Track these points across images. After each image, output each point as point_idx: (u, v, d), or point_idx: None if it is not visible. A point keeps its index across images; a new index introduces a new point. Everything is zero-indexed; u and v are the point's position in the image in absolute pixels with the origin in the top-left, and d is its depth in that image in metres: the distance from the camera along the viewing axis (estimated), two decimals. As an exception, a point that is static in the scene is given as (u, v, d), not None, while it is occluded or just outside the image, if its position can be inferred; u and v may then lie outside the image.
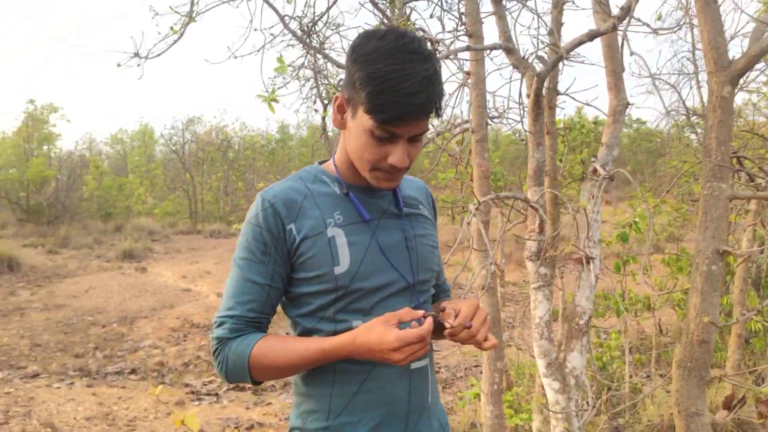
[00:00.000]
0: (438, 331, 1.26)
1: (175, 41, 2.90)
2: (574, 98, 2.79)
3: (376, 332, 1.14)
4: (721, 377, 2.61)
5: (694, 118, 6.71)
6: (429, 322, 1.15)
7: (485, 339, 1.23)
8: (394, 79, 1.12)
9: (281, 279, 1.27)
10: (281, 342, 1.24)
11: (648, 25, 2.09)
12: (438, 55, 2.73)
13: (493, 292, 3.08)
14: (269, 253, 1.25)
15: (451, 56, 2.58)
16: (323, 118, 5.26)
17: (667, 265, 6.24)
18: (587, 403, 2.28)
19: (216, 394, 6.11)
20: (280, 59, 3.90)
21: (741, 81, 5.82)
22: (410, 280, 1.31)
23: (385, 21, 3.87)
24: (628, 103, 2.63)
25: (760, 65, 5.74)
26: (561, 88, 3.07)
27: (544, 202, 2.63)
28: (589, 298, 2.48)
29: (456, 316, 1.22)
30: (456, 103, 3.09)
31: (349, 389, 1.27)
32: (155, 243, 16.99)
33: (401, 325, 1.19)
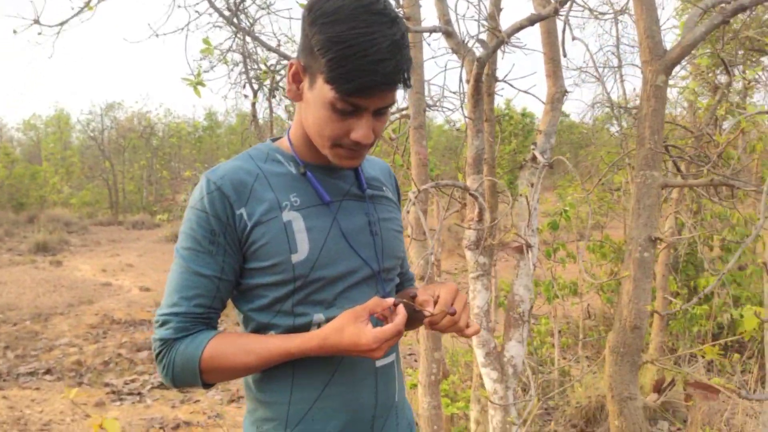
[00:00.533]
0: (411, 320, 1.20)
1: (81, 9, 2.65)
2: (512, 85, 2.76)
3: (348, 333, 1.04)
4: (652, 361, 2.66)
5: (617, 111, 6.92)
6: (402, 312, 1.06)
7: (467, 325, 1.14)
8: (359, 44, 0.98)
9: (232, 270, 1.14)
10: (237, 342, 1.12)
11: (590, 10, 2.06)
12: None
13: (431, 282, 3.02)
14: (217, 242, 1.11)
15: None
16: (253, 105, 5.05)
17: (591, 252, 6.43)
18: (527, 392, 2.26)
19: (139, 394, 5.82)
20: (206, 41, 3.69)
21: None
22: (375, 268, 1.21)
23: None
24: (565, 91, 2.62)
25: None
26: (500, 75, 3.04)
27: (483, 191, 2.59)
28: (527, 287, 2.46)
29: (435, 303, 1.12)
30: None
31: (310, 396, 1.15)
32: (72, 235, 16.11)
33: (371, 317, 1.09)
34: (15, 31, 2.43)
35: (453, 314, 1.11)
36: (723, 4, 2.52)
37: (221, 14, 3.95)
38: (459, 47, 2.49)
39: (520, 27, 2.27)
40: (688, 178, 3.31)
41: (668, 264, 5.23)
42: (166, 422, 5.07)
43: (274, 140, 1.25)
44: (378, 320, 1.14)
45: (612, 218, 8.45)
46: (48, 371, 6.40)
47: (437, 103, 3.66)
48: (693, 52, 5.73)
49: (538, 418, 4.37)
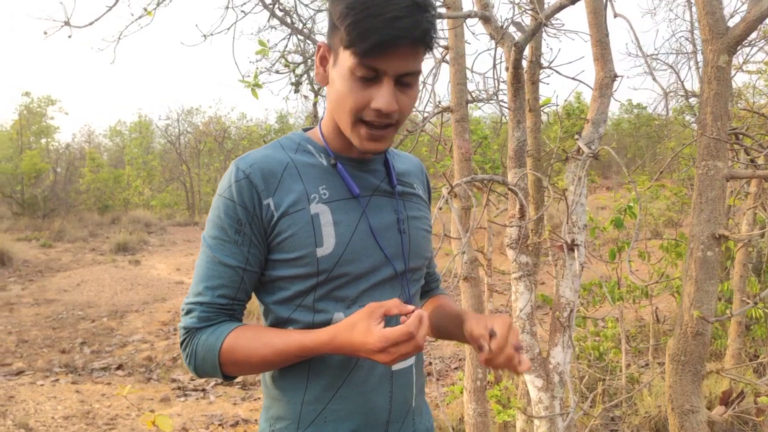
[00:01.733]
0: (440, 330, 1.24)
1: (110, 8, 2.68)
2: (558, 72, 2.59)
3: (358, 330, 0.99)
4: (719, 371, 2.42)
5: (692, 100, 6.48)
6: (416, 316, 0.98)
7: (520, 361, 1.09)
8: (376, 4, 0.97)
9: (257, 261, 1.11)
10: (257, 334, 1.09)
11: (634, -14, 1.87)
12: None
13: (476, 283, 2.89)
14: (243, 232, 1.09)
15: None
16: (314, 105, 5.05)
17: (665, 251, 6.04)
18: (573, 401, 2.09)
19: (203, 390, 5.95)
20: (261, 42, 3.70)
21: (740, 60, 5.58)
22: (399, 268, 1.17)
23: None
24: (615, 75, 2.42)
25: (760, 42, 5.51)
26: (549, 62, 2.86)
27: (525, 185, 2.43)
28: (573, 289, 2.28)
29: (491, 337, 1.07)
30: (434, 81, 2.87)
31: (323, 396, 1.12)
32: (151, 235, 16.83)
33: (388, 318, 1.03)
34: (45, 33, 2.48)
35: (519, 350, 1.07)
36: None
37: (274, 15, 3.96)
38: (497, 33, 2.35)
39: (560, 7, 2.11)
40: (765, 168, 3.02)
41: (746, 264, 4.83)
42: (225, 419, 5.15)
43: (305, 130, 1.22)
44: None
45: (687, 214, 7.94)
46: (120, 366, 6.66)
47: (489, 96, 3.50)
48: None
49: (602, 428, 4.14)
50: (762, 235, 3.98)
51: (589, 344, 5.02)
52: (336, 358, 1.11)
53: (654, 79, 1.66)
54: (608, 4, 1.92)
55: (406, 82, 1.04)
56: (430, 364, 6.27)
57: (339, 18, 1.00)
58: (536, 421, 2.28)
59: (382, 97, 1.02)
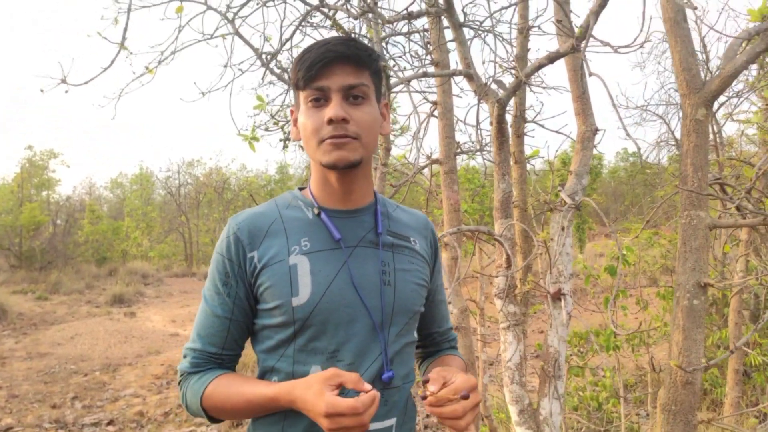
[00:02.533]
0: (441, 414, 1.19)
1: (105, 69, 2.77)
2: (542, 126, 2.66)
3: (312, 391, 1.02)
4: (710, 420, 2.40)
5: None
6: (370, 396, 0.99)
7: (465, 428, 1.07)
8: (313, 47, 1.13)
9: (243, 312, 1.19)
10: (232, 383, 1.15)
11: (608, 44, 1.96)
12: (397, 80, 2.62)
13: (466, 332, 2.89)
14: (230, 284, 1.18)
15: (406, 85, 2.45)
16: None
17: (662, 299, 6.03)
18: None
19: (195, 445, 5.83)
20: (259, 97, 3.80)
21: (730, 111, 5.71)
22: (378, 320, 1.17)
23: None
24: (596, 129, 2.49)
25: (745, 91, 5.65)
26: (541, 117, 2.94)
27: (512, 236, 2.46)
28: (560, 338, 2.29)
29: (444, 386, 1.07)
30: (423, 135, 2.95)
31: None
32: (147, 287, 16.75)
33: (347, 391, 1.07)
34: (42, 91, 2.56)
35: (465, 398, 1.05)
36: (767, 31, 2.34)
37: (272, 72, 4.08)
38: (480, 89, 2.43)
39: (539, 66, 2.19)
40: (747, 216, 3.06)
41: (740, 311, 4.82)
42: (217, 476, 5.03)
43: (301, 188, 1.30)
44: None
45: (683, 262, 7.94)
46: (111, 422, 6.53)
47: (482, 147, 3.58)
48: (755, 83, 5.42)
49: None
50: (745, 282, 3.99)
51: (587, 394, 4.97)
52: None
53: (627, 135, 1.72)
54: (584, 63, 2.00)
55: (354, 94, 1.13)
56: (428, 416, 6.17)
57: (291, 71, 1.15)
58: (527, 475, 2.25)
59: (330, 109, 1.11)
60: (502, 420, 4.48)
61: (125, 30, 2.63)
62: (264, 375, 1.20)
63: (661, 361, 6.17)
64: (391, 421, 1.20)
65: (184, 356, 1.21)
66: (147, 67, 4.11)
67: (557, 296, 2.28)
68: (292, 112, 1.23)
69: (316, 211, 1.20)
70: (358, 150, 1.14)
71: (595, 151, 2.65)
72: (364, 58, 1.13)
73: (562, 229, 2.35)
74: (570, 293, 2.32)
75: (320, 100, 1.12)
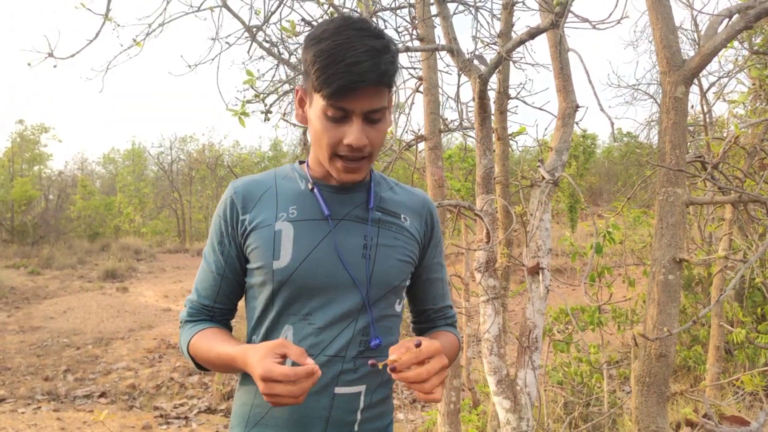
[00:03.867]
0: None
1: (91, 41, 2.76)
2: (525, 102, 2.68)
3: (257, 356, 1.05)
4: (681, 392, 2.46)
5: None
6: (306, 368, 1.00)
7: (431, 389, 1.07)
8: (338, 52, 1.09)
9: (233, 270, 1.27)
10: (211, 338, 1.22)
11: (587, 20, 1.98)
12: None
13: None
14: (223, 243, 1.26)
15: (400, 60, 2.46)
16: (304, 133, 5.14)
17: (648, 277, 6.10)
18: (532, 419, 2.14)
19: (186, 418, 5.91)
20: (249, 72, 3.79)
21: (721, 91, 5.73)
22: (362, 291, 1.22)
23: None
24: (577, 106, 2.51)
25: (734, 72, 5.67)
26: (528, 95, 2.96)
27: (493, 211, 2.50)
28: (539, 311, 2.34)
29: (407, 351, 1.07)
30: (409, 111, 2.96)
31: (266, 402, 1.17)
32: (140, 262, 16.77)
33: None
34: (29, 64, 2.56)
35: (417, 345, 1.05)
36: (747, 9, 2.36)
37: (261, 46, 4.06)
38: (463, 65, 2.44)
39: (519, 42, 2.21)
40: (727, 193, 3.10)
41: (722, 289, 4.89)
42: (207, 447, 5.12)
43: (302, 162, 1.34)
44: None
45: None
46: (103, 394, 6.61)
47: (462, 124, 3.60)
48: (742, 62, 5.43)
49: (583, 452, 4.14)
50: (731, 260, 4.05)
51: (572, 370, 5.06)
52: None
53: (602, 109, 1.74)
54: (562, 39, 2.02)
55: (374, 118, 1.15)
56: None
57: (308, 65, 1.13)
58: (503, 443, 2.31)
59: (352, 134, 1.12)
60: (486, 392, 4.56)
61: (109, 1, 2.62)
62: (253, 329, 1.27)
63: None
64: (360, 388, 1.23)
65: (185, 305, 1.32)
66: (134, 40, 4.10)
67: (535, 270, 2.33)
68: (297, 91, 1.24)
69: (310, 186, 1.26)
70: (366, 167, 1.20)
71: (577, 129, 2.68)
72: (388, 81, 1.14)
73: (541, 204, 2.39)
74: (548, 267, 2.37)
75: (341, 118, 1.14)
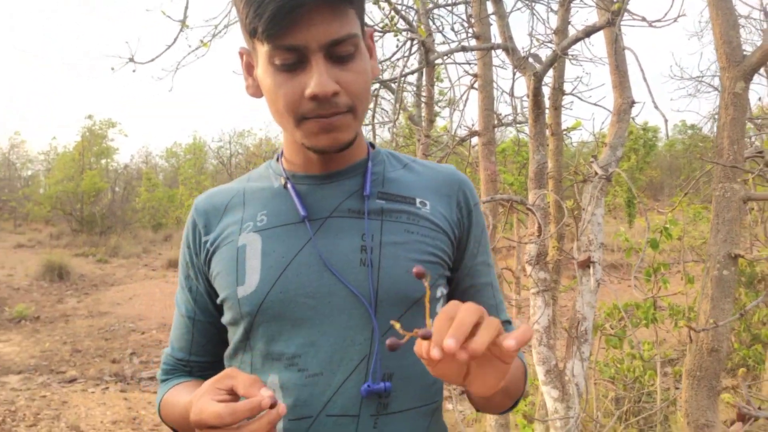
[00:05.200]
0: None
1: (169, 46, 2.95)
2: (580, 98, 2.72)
3: (197, 397, 0.77)
4: (734, 387, 2.46)
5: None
6: (248, 403, 0.71)
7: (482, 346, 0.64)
8: None
9: (206, 311, 0.98)
10: (177, 393, 0.96)
11: (644, 18, 2.01)
12: (436, 54, 2.71)
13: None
14: (190, 277, 0.98)
15: (449, 57, 2.55)
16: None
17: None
18: (578, 406, 2.19)
19: (244, 401, 6.16)
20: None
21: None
22: (358, 311, 0.87)
23: (410, 30, 3.86)
24: (633, 102, 2.53)
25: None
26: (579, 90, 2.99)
27: (545, 205, 2.55)
28: (589, 304, 2.38)
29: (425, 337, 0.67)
30: (463, 107, 3.04)
31: None
32: (201, 252, 17.40)
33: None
34: (113, 69, 2.76)
35: (424, 338, 0.65)
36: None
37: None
38: (519, 63, 2.50)
39: (575, 40, 2.25)
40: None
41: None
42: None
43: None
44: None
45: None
46: (167, 377, 6.95)
47: (516, 119, 3.65)
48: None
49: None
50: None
51: (624, 366, 5.03)
52: None
53: (656, 106, 1.78)
54: (618, 37, 2.06)
55: (341, 53, 0.82)
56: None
57: (238, 11, 0.84)
58: (552, 430, 2.38)
59: (313, 80, 0.80)
60: (534, 384, 4.59)
61: (186, 8, 2.80)
62: None
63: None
64: (354, 410, 0.85)
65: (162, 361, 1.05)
66: (202, 41, 4.31)
67: (586, 264, 2.37)
68: (242, 55, 0.93)
69: (282, 181, 0.95)
70: (352, 125, 0.86)
71: (637, 123, 2.69)
72: None
73: (593, 198, 2.43)
74: (599, 261, 2.41)
75: (295, 64, 0.81)
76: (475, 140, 3.33)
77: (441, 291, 0.94)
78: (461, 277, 0.99)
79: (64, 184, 21.35)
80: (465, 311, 0.65)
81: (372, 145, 1.01)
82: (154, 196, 23.43)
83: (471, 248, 0.98)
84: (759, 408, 1.49)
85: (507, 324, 1.04)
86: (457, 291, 1.00)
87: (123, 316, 9.79)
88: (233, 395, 0.76)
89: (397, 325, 0.70)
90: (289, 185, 0.94)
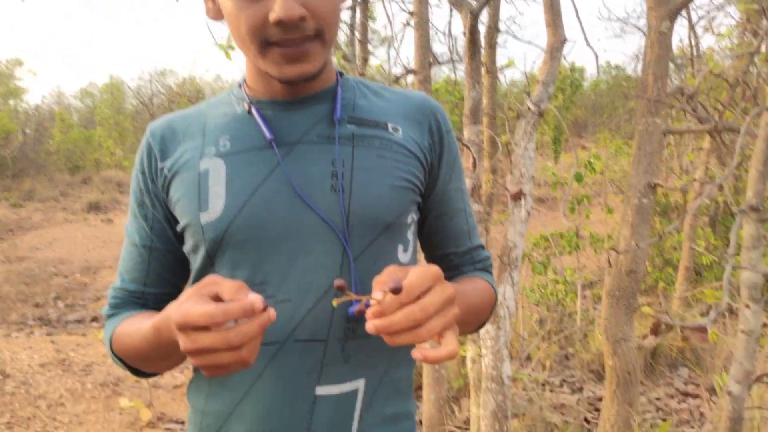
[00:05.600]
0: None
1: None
2: (514, 36, 2.77)
3: (176, 302, 0.72)
4: (649, 304, 2.70)
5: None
6: (240, 304, 0.65)
7: (440, 335, 0.69)
8: None
9: (164, 238, 0.94)
10: (134, 322, 0.88)
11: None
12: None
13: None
14: (144, 204, 0.94)
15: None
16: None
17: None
18: (508, 326, 2.35)
19: (180, 341, 6.15)
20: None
21: (710, 24, 5.82)
22: (337, 230, 0.85)
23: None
24: (565, 40, 2.61)
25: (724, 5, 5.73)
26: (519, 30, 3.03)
27: (480, 141, 2.63)
28: (519, 233, 2.51)
29: (395, 290, 0.65)
30: (399, 45, 3.04)
31: (222, 410, 0.89)
32: (123, 194, 16.75)
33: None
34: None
35: (396, 291, 0.65)
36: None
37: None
38: (456, 0, 2.52)
39: (510, -26, 2.28)
40: (705, 124, 3.26)
41: (697, 215, 5.15)
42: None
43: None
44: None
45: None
46: (95, 319, 6.82)
47: (453, 58, 3.68)
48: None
49: (557, 365, 4.46)
50: (701, 185, 4.26)
51: (548, 290, 5.35)
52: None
53: (587, 43, 1.85)
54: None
55: None
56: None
57: None
58: (482, 350, 2.54)
59: (277, 3, 0.77)
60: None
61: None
62: None
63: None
64: (356, 384, 0.87)
65: (107, 298, 0.98)
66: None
67: (518, 196, 2.48)
68: None
69: (246, 106, 0.91)
70: (320, 53, 0.83)
71: (565, 63, 2.79)
72: None
73: (526, 134, 2.53)
74: (530, 194, 2.53)
75: None
76: (410, 79, 3.35)
77: (412, 217, 0.94)
78: (434, 204, 0.98)
79: (-32, 126, 19.90)
80: (436, 291, 0.68)
81: (341, 74, 0.97)
82: (69, 138, 22.19)
83: (444, 174, 0.97)
84: (672, 319, 1.66)
85: (480, 249, 1.05)
86: (430, 217, 0.99)
87: (43, 261, 9.43)
88: (218, 302, 0.69)
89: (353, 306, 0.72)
90: (253, 110, 0.90)
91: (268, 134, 0.87)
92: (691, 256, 5.03)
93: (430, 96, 1.07)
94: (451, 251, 1.02)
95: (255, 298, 0.66)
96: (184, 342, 0.67)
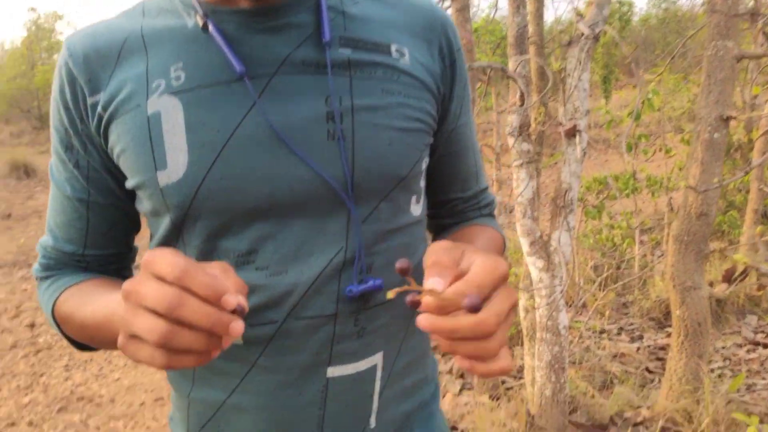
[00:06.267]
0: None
1: None
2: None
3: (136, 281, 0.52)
4: (722, 250, 2.46)
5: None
6: (219, 284, 0.49)
7: (495, 352, 0.51)
8: None
9: (104, 190, 0.72)
10: (87, 291, 0.72)
11: None
12: None
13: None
14: (73, 147, 0.71)
15: None
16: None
17: (687, 145, 5.94)
18: (566, 274, 2.17)
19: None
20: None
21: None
22: (339, 188, 0.66)
23: None
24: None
25: None
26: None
27: (527, 73, 2.39)
28: (574, 174, 2.29)
29: (473, 308, 0.48)
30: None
31: (213, 397, 0.73)
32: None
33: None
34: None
35: (474, 310, 0.47)
36: None
37: None
38: None
39: None
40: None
41: (765, 151, 4.75)
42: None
43: None
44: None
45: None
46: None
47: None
48: None
49: (614, 312, 4.26)
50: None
51: (603, 236, 5.09)
52: (231, 347, 0.68)
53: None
54: None
55: None
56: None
57: None
58: (537, 299, 2.37)
59: None
60: (516, 258, 4.63)
61: None
62: None
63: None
64: (374, 359, 0.72)
65: (39, 255, 0.79)
66: None
67: (572, 132, 2.25)
68: None
69: (200, 20, 0.66)
70: None
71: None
72: None
73: (579, 62, 2.27)
74: (585, 129, 2.29)
75: None
76: (447, 6, 3.08)
77: (426, 162, 0.76)
78: (441, 142, 0.80)
79: (17, 82, 20.35)
80: (499, 298, 0.51)
81: None
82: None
83: (454, 107, 0.78)
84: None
85: (484, 193, 0.90)
86: (435, 156, 0.81)
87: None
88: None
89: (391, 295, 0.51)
90: (211, 26, 0.65)
91: (237, 65, 0.64)
92: (760, 198, 4.66)
93: (469, 25, 0.91)
94: (455, 197, 0.87)
95: (232, 298, 0.48)
96: (125, 313, 0.49)
